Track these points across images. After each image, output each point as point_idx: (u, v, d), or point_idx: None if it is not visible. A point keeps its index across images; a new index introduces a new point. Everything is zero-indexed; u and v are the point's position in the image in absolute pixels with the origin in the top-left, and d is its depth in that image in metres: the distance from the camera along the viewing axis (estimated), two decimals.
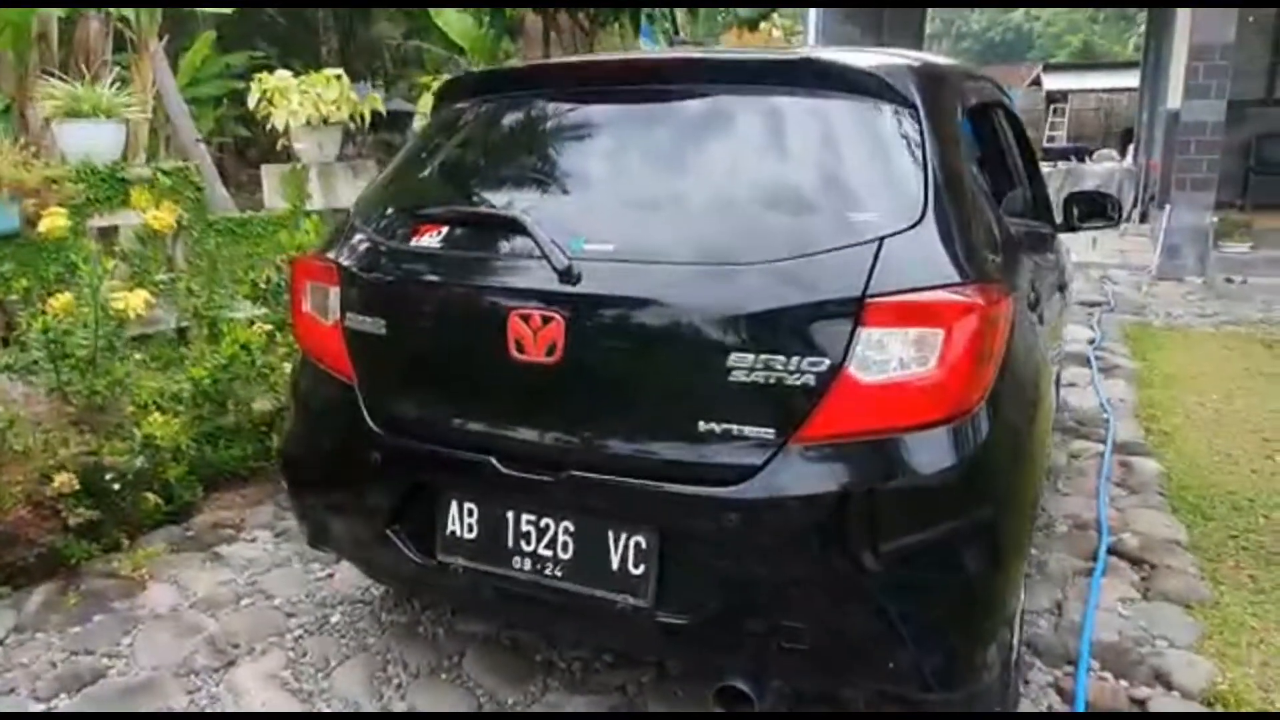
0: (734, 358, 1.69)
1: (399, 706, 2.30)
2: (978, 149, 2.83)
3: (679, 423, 1.75)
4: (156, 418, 3.10)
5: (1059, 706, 2.29)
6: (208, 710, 2.30)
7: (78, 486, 2.78)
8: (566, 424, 1.87)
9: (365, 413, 2.08)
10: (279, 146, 4.87)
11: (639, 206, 1.97)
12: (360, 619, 2.69)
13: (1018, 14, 48.02)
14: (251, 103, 4.49)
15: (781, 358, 1.67)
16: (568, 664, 2.43)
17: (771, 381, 1.67)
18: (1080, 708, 2.24)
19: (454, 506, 1.99)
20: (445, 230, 2.05)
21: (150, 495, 3.13)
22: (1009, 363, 1.80)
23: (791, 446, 1.68)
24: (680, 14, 9.68)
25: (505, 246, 1.95)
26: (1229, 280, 7.88)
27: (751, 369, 1.68)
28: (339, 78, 4.49)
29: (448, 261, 2.01)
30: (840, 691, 2.28)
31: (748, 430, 1.70)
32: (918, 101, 1.90)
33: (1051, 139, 21.92)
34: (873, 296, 1.65)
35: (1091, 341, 6.03)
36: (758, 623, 1.77)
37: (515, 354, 1.84)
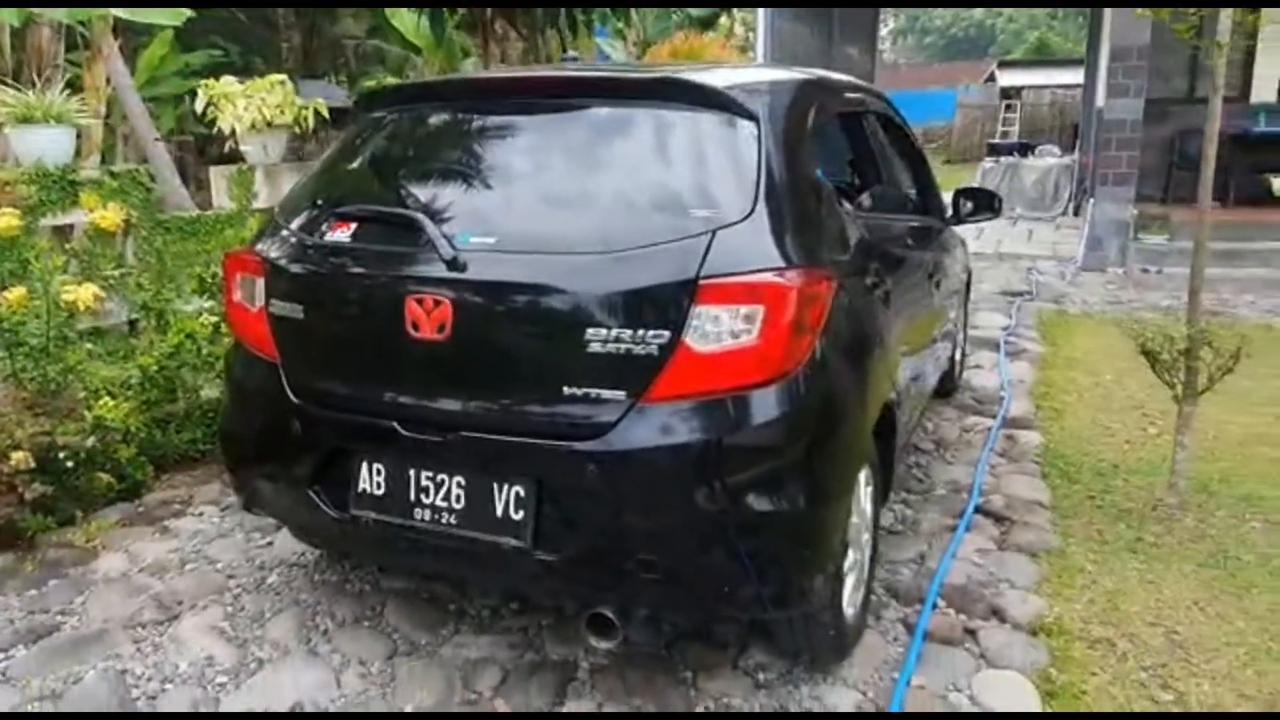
0: (591, 332, 2.00)
1: (324, 649, 2.59)
2: (846, 151, 3.17)
3: (547, 388, 2.06)
4: (107, 401, 3.36)
5: (904, 638, 2.63)
6: (154, 661, 2.57)
7: (33, 464, 3.03)
8: (456, 391, 2.17)
9: (287, 387, 2.37)
10: (226, 149, 5.11)
11: (519, 204, 2.28)
12: (295, 579, 2.97)
13: (979, 10, 48.81)
14: (199, 108, 4.74)
15: (630, 331, 1.98)
16: (477, 611, 2.74)
17: (622, 352, 1.99)
18: (919, 637, 2.58)
19: (364, 467, 2.29)
20: (354, 226, 2.34)
21: (103, 474, 3.39)
22: (830, 334, 2.12)
23: (641, 405, 2.00)
24: (633, 14, 9.95)
25: (404, 240, 2.24)
26: (1145, 270, 8.33)
27: (606, 341, 1.99)
28: (283, 83, 4.74)
29: (355, 253, 2.31)
30: (699, 619, 2.59)
31: (604, 393, 2.01)
32: (760, 114, 2.22)
33: (1005, 134, 22.43)
34: (705, 278, 1.97)
35: (1005, 328, 6.41)
36: (618, 557, 2.09)
37: (412, 332, 2.14)
